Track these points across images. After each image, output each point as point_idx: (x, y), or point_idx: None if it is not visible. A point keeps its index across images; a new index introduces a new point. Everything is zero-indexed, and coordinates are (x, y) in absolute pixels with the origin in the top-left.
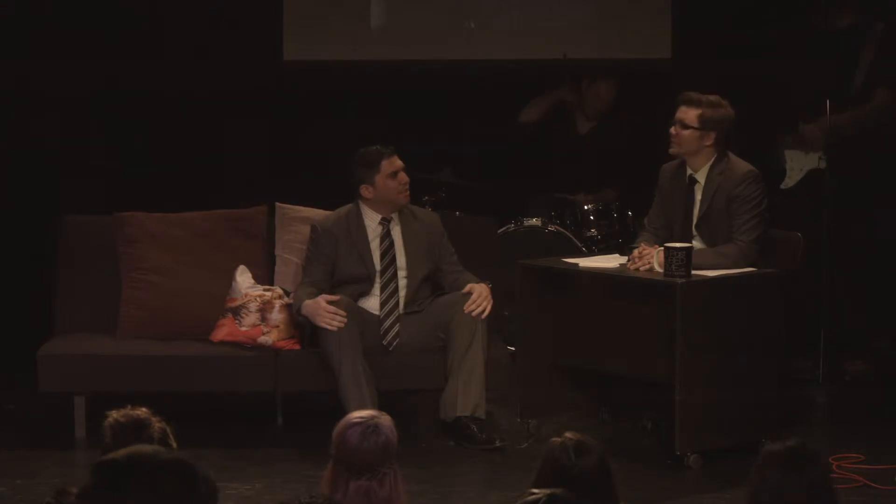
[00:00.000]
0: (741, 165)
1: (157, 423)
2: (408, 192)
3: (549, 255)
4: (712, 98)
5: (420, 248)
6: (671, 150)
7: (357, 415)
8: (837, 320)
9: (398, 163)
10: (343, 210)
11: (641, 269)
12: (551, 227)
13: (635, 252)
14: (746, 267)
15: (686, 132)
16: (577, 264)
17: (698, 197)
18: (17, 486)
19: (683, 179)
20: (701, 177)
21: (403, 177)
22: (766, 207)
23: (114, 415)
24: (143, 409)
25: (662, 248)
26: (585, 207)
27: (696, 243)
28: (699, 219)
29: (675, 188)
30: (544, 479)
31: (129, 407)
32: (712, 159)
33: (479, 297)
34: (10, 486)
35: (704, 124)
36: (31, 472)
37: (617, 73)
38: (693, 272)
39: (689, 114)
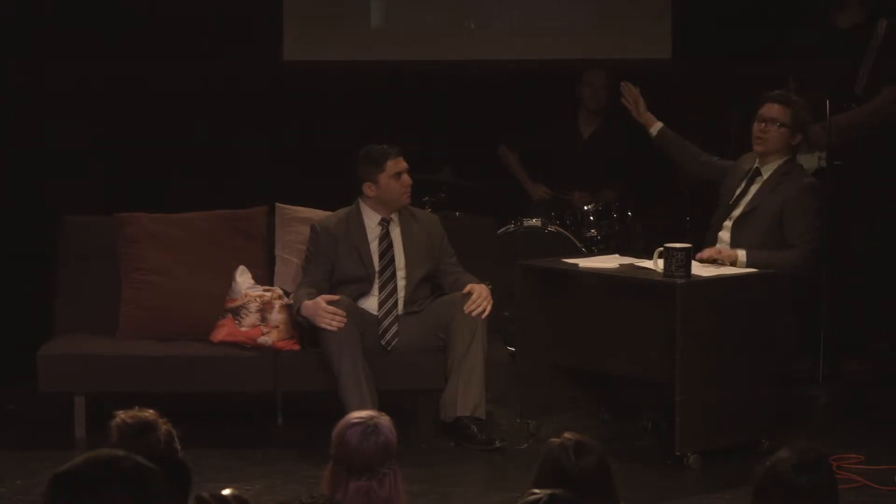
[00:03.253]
0: (806, 175)
1: (163, 426)
2: (410, 194)
3: (548, 255)
4: (801, 101)
5: (419, 249)
6: (755, 149)
7: (356, 415)
8: (837, 320)
9: (403, 164)
10: (343, 211)
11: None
12: (551, 228)
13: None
14: (802, 274)
15: (777, 130)
16: (576, 264)
17: (754, 190)
18: (17, 486)
19: (747, 170)
20: (766, 172)
21: (407, 179)
22: (823, 224)
23: (121, 415)
24: (151, 411)
25: (662, 247)
26: (585, 208)
27: (724, 233)
28: (745, 212)
29: (736, 177)
30: (544, 479)
31: (137, 408)
32: (784, 159)
33: (478, 298)
34: (9, 487)
35: (796, 125)
36: (31, 473)
37: (607, 65)
38: (693, 273)
39: (783, 112)
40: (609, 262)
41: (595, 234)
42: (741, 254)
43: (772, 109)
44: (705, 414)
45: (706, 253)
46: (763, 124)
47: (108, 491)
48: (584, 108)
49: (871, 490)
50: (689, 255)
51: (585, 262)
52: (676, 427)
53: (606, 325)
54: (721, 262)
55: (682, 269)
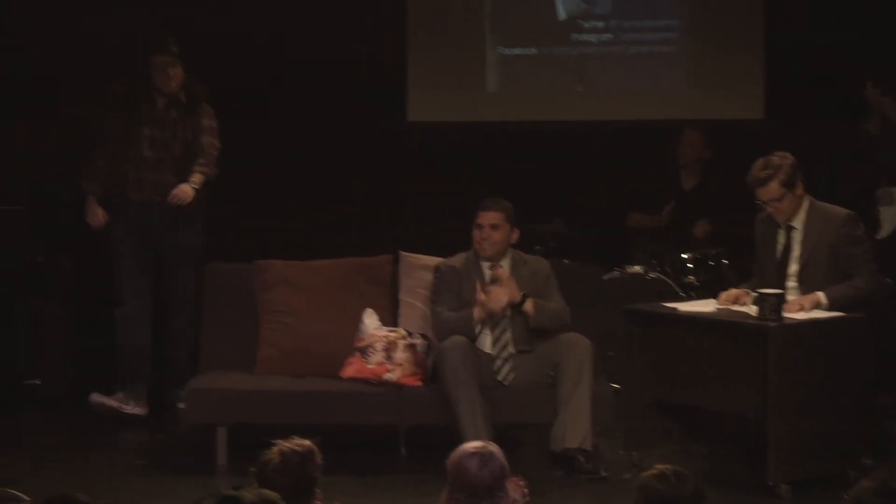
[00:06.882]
0: (838, 210)
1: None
2: (488, 247)
3: (650, 299)
4: (772, 160)
5: (525, 291)
6: (780, 220)
7: (471, 445)
8: None
9: (487, 217)
10: (461, 254)
11: (730, 306)
12: (652, 274)
13: (725, 294)
14: (878, 296)
15: (781, 203)
16: (676, 308)
17: (797, 243)
18: None
19: (778, 226)
20: (798, 223)
21: (488, 232)
22: (871, 244)
23: (284, 444)
24: (309, 442)
25: (756, 293)
26: (683, 256)
27: (793, 292)
28: (801, 268)
29: (769, 235)
30: None
31: (295, 437)
32: (806, 205)
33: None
34: None
35: (788, 185)
36: (176, 497)
37: (703, 125)
38: (787, 315)
39: (772, 189)
40: (706, 306)
41: (693, 280)
42: (821, 295)
43: (761, 193)
44: (795, 446)
45: (791, 309)
46: (769, 205)
47: None
48: (684, 164)
49: None
50: (781, 301)
51: (684, 306)
52: (769, 459)
53: (704, 365)
54: (806, 310)
55: (774, 312)
